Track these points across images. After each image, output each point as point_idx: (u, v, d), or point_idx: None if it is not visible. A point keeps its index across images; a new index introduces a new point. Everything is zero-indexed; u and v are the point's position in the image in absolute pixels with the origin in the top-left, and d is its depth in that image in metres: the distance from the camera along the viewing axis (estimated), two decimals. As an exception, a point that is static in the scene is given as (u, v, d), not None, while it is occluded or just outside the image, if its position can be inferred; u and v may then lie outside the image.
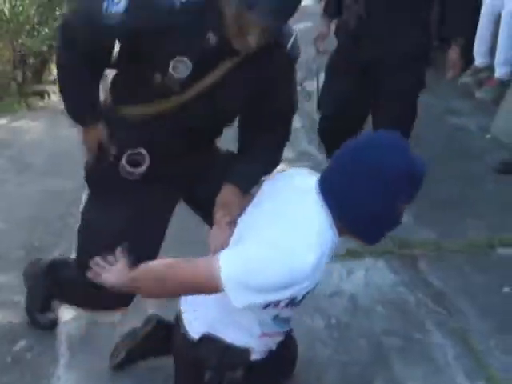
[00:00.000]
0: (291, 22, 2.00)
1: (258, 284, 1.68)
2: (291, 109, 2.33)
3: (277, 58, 2.12)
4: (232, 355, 1.95)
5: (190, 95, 2.07)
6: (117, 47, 2.00)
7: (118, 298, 2.18)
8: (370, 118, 3.66)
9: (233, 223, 1.99)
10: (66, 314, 2.80)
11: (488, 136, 4.46)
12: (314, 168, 2.03)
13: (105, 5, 1.93)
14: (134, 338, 2.43)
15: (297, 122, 4.28)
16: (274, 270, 1.66)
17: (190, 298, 2.03)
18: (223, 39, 1.98)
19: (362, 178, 1.69)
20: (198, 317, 2.01)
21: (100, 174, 2.27)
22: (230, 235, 1.95)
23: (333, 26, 3.75)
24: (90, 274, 2.03)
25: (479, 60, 4.88)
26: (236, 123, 2.33)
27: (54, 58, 2.43)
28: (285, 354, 2.34)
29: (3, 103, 5.60)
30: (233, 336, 1.95)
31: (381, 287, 3.03)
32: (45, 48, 5.81)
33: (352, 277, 3.12)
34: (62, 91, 2.18)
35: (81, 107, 2.18)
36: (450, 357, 2.59)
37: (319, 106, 3.82)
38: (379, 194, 1.69)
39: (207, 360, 1.95)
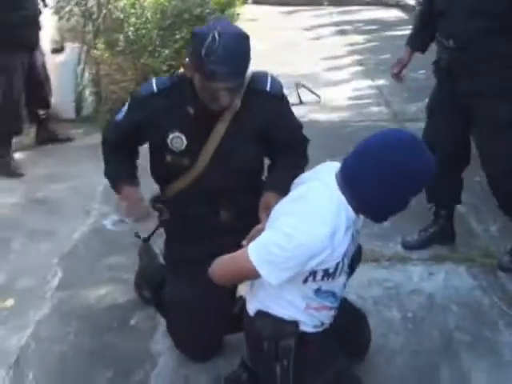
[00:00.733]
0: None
1: (282, 262, 1.97)
2: (300, 135, 2.66)
3: (263, 101, 2.44)
4: (281, 326, 2.18)
5: (202, 165, 2.46)
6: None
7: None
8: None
9: None
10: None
11: None
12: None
13: (117, 116, 2.56)
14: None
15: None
16: (291, 248, 1.94)
17: (248, 283, 2.33)
18: (201, 108, 2.35)
19: (376, 171, 1.93)
20: (252, 297, 2.30)
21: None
22: None
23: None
24: None
25: None
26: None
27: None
28: (358, 337, 2.61)
29: (125, 115, 6.10)
30: (280, 310, 2.19)
31: (458, 289, 3.19)
32: (164, 67, 6.18)
33: (432, 278, 3.29)
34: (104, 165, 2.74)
35: (113, 178, 2.68)
36: (516, 355, 2.73)
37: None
38: (390, 185, 1.93)
39: (262, 332, 2.20)
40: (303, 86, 6.45)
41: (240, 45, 2.24)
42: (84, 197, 4.28)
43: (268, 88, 2.46)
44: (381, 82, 7.03)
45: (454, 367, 2.67)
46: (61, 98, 5.79)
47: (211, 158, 2.45)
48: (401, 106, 6.19)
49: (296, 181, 2.25)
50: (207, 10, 6.15)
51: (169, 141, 2.44)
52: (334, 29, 10.22)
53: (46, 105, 5.19)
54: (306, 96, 6.41)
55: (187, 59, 2.36)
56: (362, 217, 2.15)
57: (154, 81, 2.47)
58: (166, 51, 6.02)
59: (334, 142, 2.05)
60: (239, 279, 2.27)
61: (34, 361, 2.71)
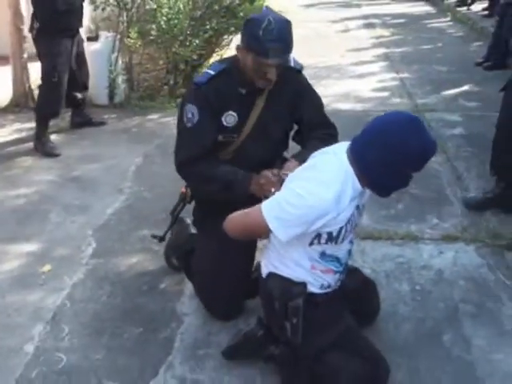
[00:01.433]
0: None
1: (293, 218, 2.19)
2: (323, 111, 2.98)
3: (290, 76, 2.77)
4: (290, 287, 2.40)
5: (244, 137, 2.79)
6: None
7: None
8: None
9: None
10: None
11: None
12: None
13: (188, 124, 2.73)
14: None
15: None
16: (300, 206, 2.17)
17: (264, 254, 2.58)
18: (250, 87, 2.68)
19: (382, 148, 2.14)
20: (265, 260, 2.54)
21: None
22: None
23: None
24: None
25: None
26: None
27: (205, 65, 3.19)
28: (368, 303, 2.83)
29: (156, 102, 6.34)
30: (288, 271, 2.42)
31: (466, 266, 3.38)
32: (195, 56, 6.40)
33: (442, 256, 3.49)
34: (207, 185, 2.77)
35: (235, 181, 2.71)
36: (516, 325, 2.93)
37: None
38: (392, 161, 2.14)
39: (273, 293, 2.43)
40: None
41: (289, 28, 2.59)
42: (117, 176, 4.53)
43: (292, 63, 2.79)
44: (405, 74, 7.21)
45: (457, 334, 2.87)
46: (95, 84, 6.06)
47: (251, 129, 2.77)
48: (422, 97, 6.37)
49: (313, 154, 2.48)
50: (236, 2, 6.36)
51: (223, 118, 2.73)
52: (361, 22, 10.39)
53: (85, 88, 5.45)
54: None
55: (239, 44, 2.66)
56: (368, 192, 2.36)
57: (208, 69, 2.76)
58: (197, 41, 6.23)
59: (356, 130, 2.22)
60: (250, 233, 2.44)
61: (69, 317, 2.96)
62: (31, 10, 4.87)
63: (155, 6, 6.16)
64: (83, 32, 5.91)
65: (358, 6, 11.95)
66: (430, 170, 4.54)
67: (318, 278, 2.44)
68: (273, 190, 2.52)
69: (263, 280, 2.51)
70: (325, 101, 5.80)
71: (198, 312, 2.99)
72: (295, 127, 3.00)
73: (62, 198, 4.20)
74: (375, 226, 3.79)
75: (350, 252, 2.52)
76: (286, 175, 2.48)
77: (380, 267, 3.37)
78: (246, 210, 2.37)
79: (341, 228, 2.30)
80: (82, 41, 5.26)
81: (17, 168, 4.70)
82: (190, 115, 2.70)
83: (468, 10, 10.53)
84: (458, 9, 10.73)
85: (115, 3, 6.09)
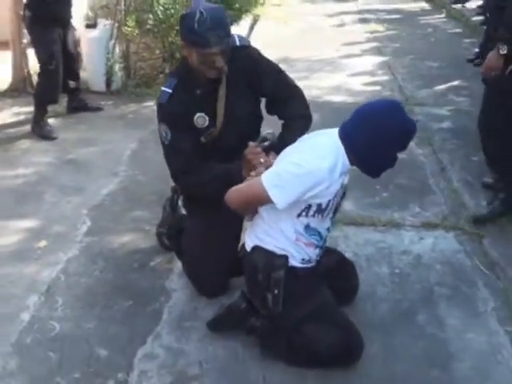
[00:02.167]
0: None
1: (290, 187, 2.39)
2: (283, 75, 3.04)
3: (238, 55, 2.86)
4: (273, 260, 2.58)
5: (219, 126, 2.90)
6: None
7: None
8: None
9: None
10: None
11: None
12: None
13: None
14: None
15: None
16: (299, 174, 2.37)
17: (248, 225, 2.75)
18: (204, 84, 2.80)
19: (368, 129, 2.39)
20: (250, 234, 2.71)
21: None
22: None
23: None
24: None
25: None
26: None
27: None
28: (347, 284, 2.99)
29: (152, 90, 6.45)
30: (273, 242, 2.60)
31: (444, 252, 3.54)
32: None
33: (422, 242, 3.64)
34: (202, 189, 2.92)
35: (225, 176, 2.82)
36: (489, 308, 3.08)
37: None
38: (379, 141, 2.38)
39: (256, 265, 2.60)
40: None
41: (221, 14, 2.72)
42: (112, 160, 4.67)
43: (237, 43, 2.91)
44: (397, 69, 7.34)
45: (432, 314, 3.02)
46: (92, 71, 6.22)
47: (224, 119, 2.89)
48: (412, 91, 6.51)
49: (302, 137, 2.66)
50: (233, -8, 6.50)
51: (195, 122, 2.87)
52: (357, 17, 10.53)
53: (76, 77, 5.61)
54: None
55: (182, 42, 2.78)
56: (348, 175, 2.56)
57: (164, 88, 2.86)
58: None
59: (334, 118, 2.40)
60: (251, 203, 2.60)
61: (63, 290, 3.11)
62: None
63: (152, -5, 6.28)
64: (81, 19, 6.06)
65: (355, 1, 12.08)
66: (416, 161, 4.72)
67: (300, 251, 2.61)
68: (262, 160, 2.70)
69: (248, 253, 2.66)
70: (317, 93, 6.08)
71: (185, 288, 3.14)
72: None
73: (58, 180, 4.34)
74: (359, 212, 3.95)
75: (329, 229, 2.69)
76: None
77: (361, 251, 3.52)
78: (246, 183, 2.58)
79: (329, 201, 2.50)
80: (73, 30, 5.40)
81: (15, 150, 4.85)
82: (164, 134, 2.88)
83: (463, 7, 10.67)
84: (453, 6, 10.86)
85: (114, -9, 6.22)
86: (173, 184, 3.24)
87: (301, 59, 7.79)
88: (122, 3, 6.36)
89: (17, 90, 6.12)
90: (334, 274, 2.85)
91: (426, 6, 11.80)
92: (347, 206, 4.00)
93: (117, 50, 6.38)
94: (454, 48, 8.38)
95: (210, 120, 2.88)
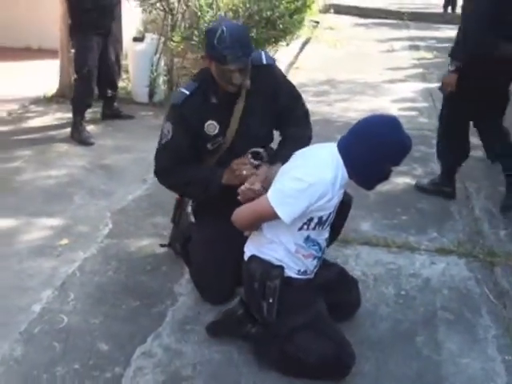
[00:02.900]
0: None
1: (296, 202, 2.48)
2: (302, 104, 3.17)
3: (263, 73, 2.98)
4: (269, 270, 2.66)
5: (230, 138, 3.02)
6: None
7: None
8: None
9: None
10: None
11: None
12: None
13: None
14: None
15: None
16: (303, 189, 2.46)
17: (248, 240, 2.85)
18: (222, 95, 2.92)
19: (365, 144, 2.48)
20: (249, 245, 2.81)
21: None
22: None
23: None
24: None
25: None
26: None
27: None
28: (347, 297, 3.05)
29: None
30: (272, 253, 2.68)
31: (454, 277, 3.56)
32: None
33: (433, 266, 3.67)
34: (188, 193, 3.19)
35: (206, 180, 3.00)
36: (490, 335, 3.08)
37: None
38: (375, 156, 2.47)
39: (253, 273, 2.69)
40: None
41: (242, 33, 2.83)
42: (143, 167, 4.81)
43: (264, 61, 3.03)
44: (438, 96, 7.33)
45: (430, 337, 3.05)
46: (136, 82, 6.44)
47: (236, 130, 3.01)
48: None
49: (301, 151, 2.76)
50: (276, 14, 6.64)
51: (205, 129, 2.99)
52: (407, 43, 10.55)
53: (114, 86, 5.84)
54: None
55: (203, 54, 2.95)
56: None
57: (182, 89, 3.02)
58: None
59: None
60: (259, 221, 2.69)
61: (76, 286, 3.27)
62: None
63: (199, 13, 6.48)
64: (130, 32, 6.29)
65: (407, 27, 12.11)
66: (441, 187, 4.73)
67: (298, 262, 2.70)
68: (244, 172, 2.82)
69: (245, 262, 2.76)
70: (354, 115, 6.14)
71: (192, 294, 3.25)
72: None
73: (89, 183, 4.53)
74: (375, 233, 3.99)
75: (326, 240, 2.79)
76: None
77: (370, 271, 3.57)
78: (252, 202, 2.66)
79: (330, 213, 2.60)
80: (116, 41, 5.63)
81: (52, 152, 5.07)
82: (166, 132, 3.00)
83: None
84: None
85: (161, 8, 6.43)
86: (177, 196, 3.38)
87: (345, 81, 7.88)
88: (170, 19, 6.57)
89: (63, 96, 6.38)
90: (334, 286, 2.92)
91: (478, 36, 11.77)
92: (365, 226, 4.07)
93: (161, 63, 6.60)
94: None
95: (221, 129, 2.99)
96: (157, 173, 3.13)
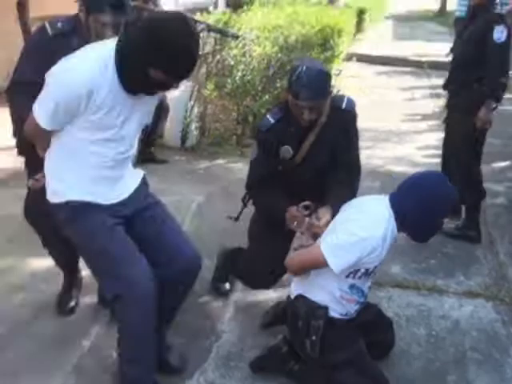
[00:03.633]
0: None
1: (348, 253, 2.70)
2: (357, 160, 3.41)
3: (339, 116, 3.25)
4: (314, 310, 2.87)
5: (295, 163, 3.32)
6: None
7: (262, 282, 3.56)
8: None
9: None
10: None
11: None
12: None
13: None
14: (278, 306, 3.42)
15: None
16: (355, 243, 2.67)
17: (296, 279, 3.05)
18: (297, 126, 3.21)
19: (417, 198, 2.70)
20: (297, 284, 3.01)
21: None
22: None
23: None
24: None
25: None
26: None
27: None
28: (383, 337, 3.22)
29: (224, 149, 6.92)
30: (318, 296, 2.88)
31: (482, 319, 3.73)
32: (263, 110, 6.93)
33: (462, 309, 3.84)
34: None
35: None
36: (518, 375, 3.26)
37: None
38: (426, 209, 2.69)
39: (298, 311, 2.90)
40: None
41: (319, 76, 3.07)
42: (179, 210, 5.02)
43: (343, 106, 3.30)
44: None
45: (461, 376, 3.22)
46: (170, 127, 6.69)
47: (302, 158, 3.31)
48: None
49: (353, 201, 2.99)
50: (306, 65, 6.89)
51: (280, 153, 3.29)
52: (428, 91, 10.78)
53: (154, 132, 6.12)
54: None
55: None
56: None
57: (268, 116, 3.33)
58: (267, 96, 6.81)
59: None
60: (310, 267, 2.89)
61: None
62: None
63: (232, 63, 6.78)
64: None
65: (428, 76, 12.36)
66: (466, 233, 4.91)
67: (341, 306, 2.90)
68: (295, 223, 3.08)
69: (292, 300, 2.96)
70: (380, 162, 6.38)
71: (234, 331, 3.46)
72: None
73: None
74: (405, 277, 4.18)
75: (370, 287, 3.00)
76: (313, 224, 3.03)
77: (403, 312, 3.75)
78: (306, 250, 2.88)
79: (375, 266, 2.80)
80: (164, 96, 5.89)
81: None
82: (253, 151, 3.41)
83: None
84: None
85: (197, 57, 6.72)
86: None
87: (368, 129, 8.05)
88: (204, 67, 6.87)
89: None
90: (371, 326, 3.10)
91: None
92: (395, 269, 4.25)
93: (195, 110, 6.86)
94: (519, 127, 8.57)
95: (292, 154, 3.28)
96: (246, 186, 3.55)
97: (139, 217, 2.82)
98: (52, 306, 3.57)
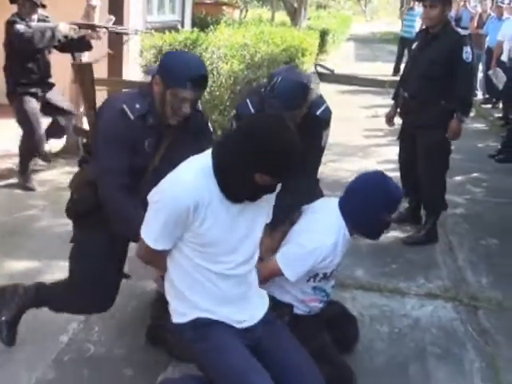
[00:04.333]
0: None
1: (301, 264, 2.88)
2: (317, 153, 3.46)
3: (309, 123, 3.19)
4: (281, 307, 3.02)
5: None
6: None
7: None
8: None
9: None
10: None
11: None
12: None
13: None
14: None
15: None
16: (307, 254, 2.86)
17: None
18: None
19: (359, 196, 2.92)
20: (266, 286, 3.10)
21: None
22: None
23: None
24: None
25: None
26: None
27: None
28: (347, 332, 3.39)
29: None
30: (282, 297, 3.05)
31: (441, 318, 3.91)
32: (228, 125, 7.12)
33: (423, 308, 4.03)
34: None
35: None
36: (474, 368, 3.44)
37: None
38: (369, 205, 2.87)
39: None
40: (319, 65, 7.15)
41: (293, 89, 3.01)
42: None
43: (318, 113, 3.29)
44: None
45: (421, 368, 3.40)
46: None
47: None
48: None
49: (307, 208, 3.14)
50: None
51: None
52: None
53: None
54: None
55: None
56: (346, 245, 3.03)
57: (249, 103, 3.31)
58: (234, 111, 6.97)
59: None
60: (272, 277, 2.98)
61: (99, 320, 3.57)
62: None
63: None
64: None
65: (390, 94, 12.62)
66: (426, 240, 5.12)
67: (304, 306, 3.10)
68: None
69: None
70: (345, 175, 6.57)
71: None
72: None
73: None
74: (369, 280, 4.35)
75: (333, 286, 3.18)
76: None
77: (366, 312, 3.92)
78: (267, 262, 2.94)
79: (333, 270, 3.00)
80: None
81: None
82: None
83: (493, 107, 11.27)
84: (483, 106, 11.46)
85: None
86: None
87: (337, 144, 8.33)
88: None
89: (68, 153, 6.66)
90: (335, 321, 3.26)
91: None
92: (359, 273, 4.42)
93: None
94: (479, 144, 8.88)
95: None
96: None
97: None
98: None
